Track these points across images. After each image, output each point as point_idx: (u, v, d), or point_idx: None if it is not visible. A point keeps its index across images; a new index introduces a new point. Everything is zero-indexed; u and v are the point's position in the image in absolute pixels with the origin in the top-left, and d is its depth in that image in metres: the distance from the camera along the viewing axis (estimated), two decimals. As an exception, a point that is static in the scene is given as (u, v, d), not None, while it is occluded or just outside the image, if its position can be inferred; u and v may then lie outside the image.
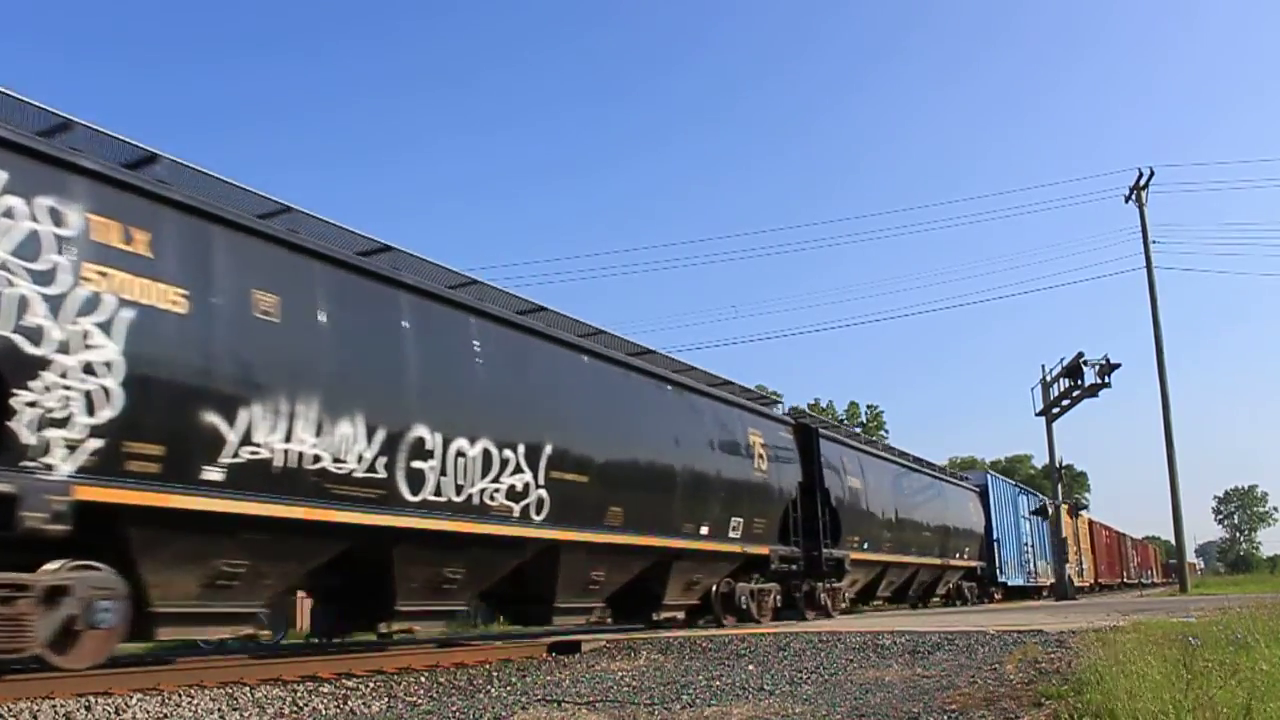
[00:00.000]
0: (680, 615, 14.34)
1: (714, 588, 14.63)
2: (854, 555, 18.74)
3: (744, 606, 15.02)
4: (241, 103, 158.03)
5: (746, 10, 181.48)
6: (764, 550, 15.29)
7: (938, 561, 24.93)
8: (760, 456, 15.51)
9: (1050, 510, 33.47)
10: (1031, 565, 33.57)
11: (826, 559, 17.48)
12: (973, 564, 27.85)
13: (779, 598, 16.12)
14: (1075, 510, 41.18)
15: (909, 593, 24.65)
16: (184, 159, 7.92)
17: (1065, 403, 31.41)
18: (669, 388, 13.63)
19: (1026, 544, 33.30)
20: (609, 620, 14.85)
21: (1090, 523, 46.42)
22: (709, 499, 13.87)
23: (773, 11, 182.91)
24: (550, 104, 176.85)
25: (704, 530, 13.65)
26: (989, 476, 31.97)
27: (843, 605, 19.16)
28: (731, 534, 14.38)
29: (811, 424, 18.82)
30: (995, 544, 29.70)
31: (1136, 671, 4.79)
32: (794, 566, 16.37)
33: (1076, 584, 35.51)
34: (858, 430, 41.61)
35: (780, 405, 22.58)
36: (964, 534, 27.36)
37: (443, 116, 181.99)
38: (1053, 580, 33.73)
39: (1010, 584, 30.98)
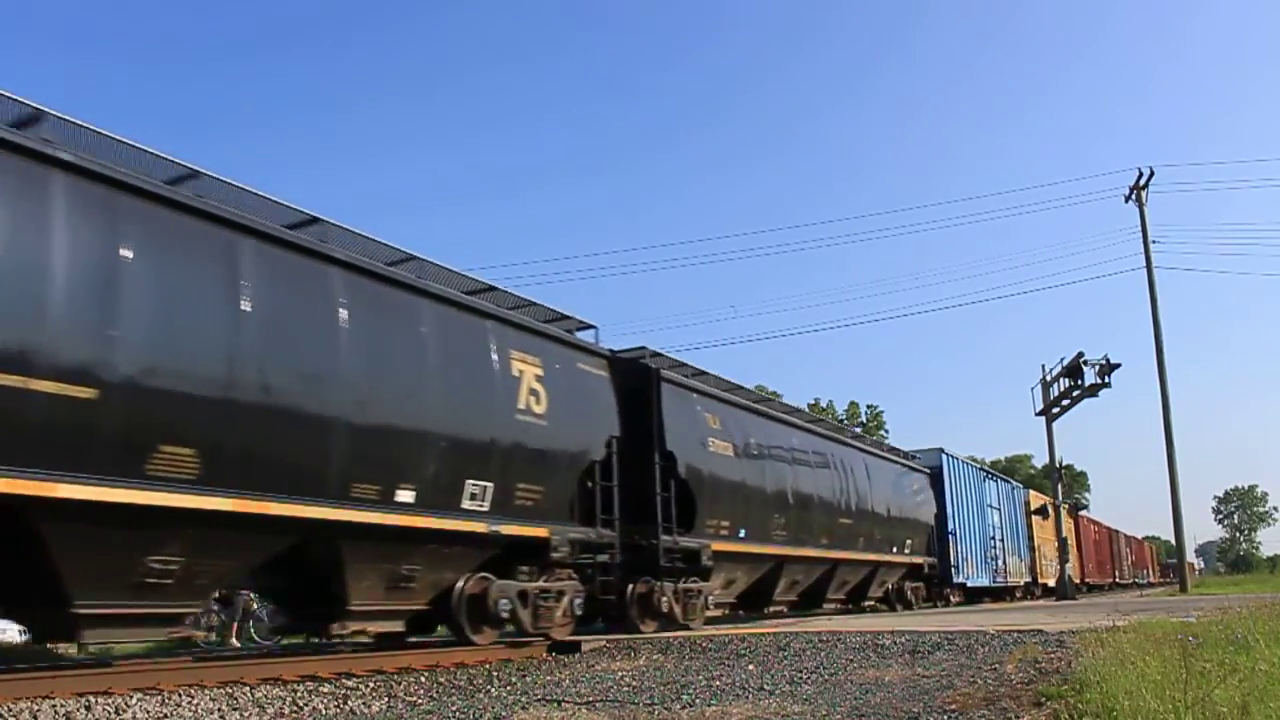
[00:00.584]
0: (390, 626, 9.64)
1: (459, 585, 9.95)
2: (718, 545, 13.90)
3: (502, 614, 10.21)
4: (242, 103, 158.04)
5: (747, 10, 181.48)
6: (539, 532, 10.67)
7: (866, 557, 19.77)
8: (534, 395, 10.73)
9: (1050, 510, 33.51)
10: (1000, 562, 29.35)
11: (669, 549, 12.81)
12: (918, 560, 22.89)
13: (578, 602, 11.35)
14: (1074, 509, 41.08)
15: (826, 595, 19.09)
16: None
17: (1065, 403, 31.41)
18: (334, 270, 8.75)
19: (993, 537, 29.06)
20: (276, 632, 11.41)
21: (1076, 518, 44.27)
22: (417, 449, 9.30)
23: (774, 11, 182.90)
24: (550, 104, 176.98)
25: (403, 496, 9.06)
26: (944, 456, 26.49)
27: (707, 611, 14.00)
28: (469, 505, 9.78)
29: (651, 363, 13.45)
30: (950, 537, 25.15)
31: (1136, 671, 4.79)
32: (601, 557, 11.77)
33: (1054, 584, 33.30)
34: (858, 430, 41.40)
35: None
36: (905, 523, 22.26)
37: (443, 116, 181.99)
38: (1027, 580, 32.47)
39: (970, 585, 26.62)
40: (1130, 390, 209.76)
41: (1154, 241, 32.08)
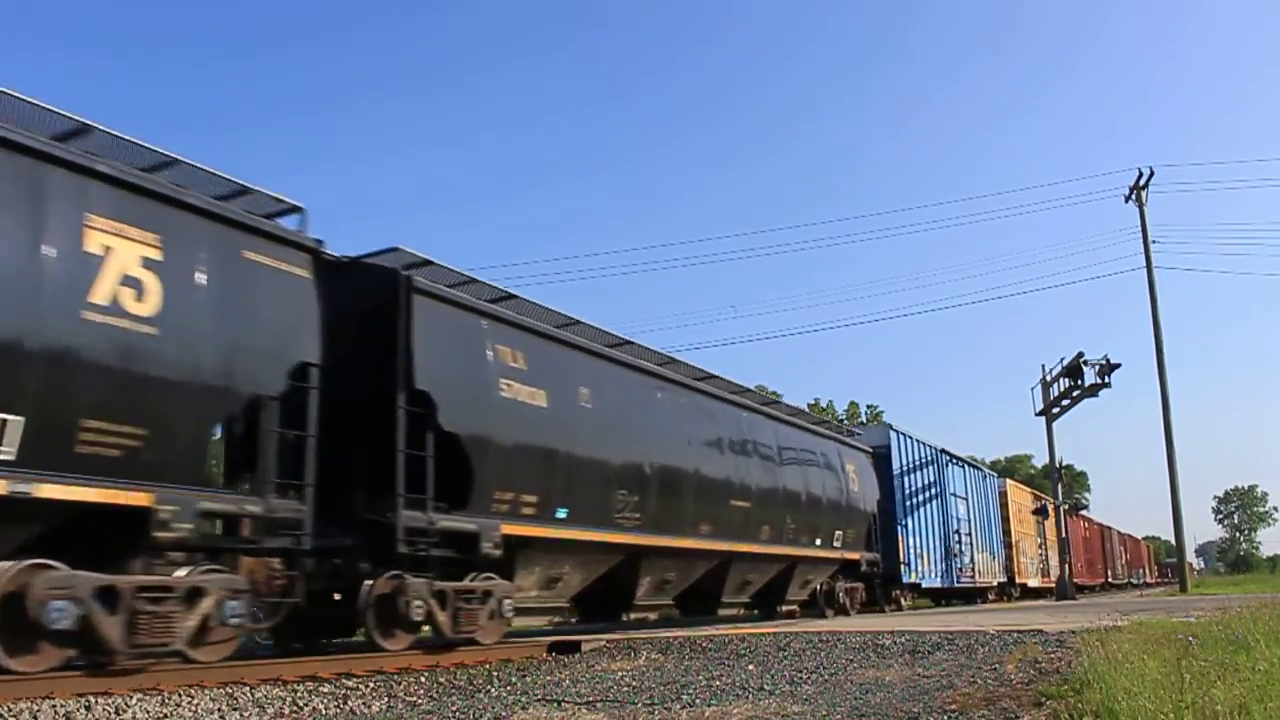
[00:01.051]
0: None
1: None
2: (516, 528, 10.23)
3: (56, 625, 6.44)
4: (242, 103, 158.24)
5: (747, 10, 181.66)
6: (130, 498, 7.05)
7: (773, 550, 15.76)
8: (132, 286, 7.17)
9: (1050, 510, 33.56)
10: (966, 560, 25.98)
11: (416, 530, 9.16)
12: (853, 556, 18.95)
13: (234, 606, 7.66)
14: (1074, 509, 41.11)
15: (721, 597, 15.22)
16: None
17: (1065, 403, 31.47)
18: None
19: (959, 531, 25.68)
20: None
21: (1065, 515, 42.85)
22: None
23: (774, 11, 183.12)
24: (550, 104, 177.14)
25: None
26: (892, 434, 22.82)
27: (507, 622, 10.26)
28: None
29: (404, 270, 9.73)
30: (900, 529, 21.59)
31: (1136, 671, 4.79)
32: (277, 542, 8.16)
33: (1035, 585, 33.44)
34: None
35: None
36: (836, 511, 18.08)
37: (443, 116, 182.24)
38: (1002, 580, 30.89)
39: (925, 585, 23.38)
40: (1130, 390, 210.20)
41: (1154, 241, 32.15)
